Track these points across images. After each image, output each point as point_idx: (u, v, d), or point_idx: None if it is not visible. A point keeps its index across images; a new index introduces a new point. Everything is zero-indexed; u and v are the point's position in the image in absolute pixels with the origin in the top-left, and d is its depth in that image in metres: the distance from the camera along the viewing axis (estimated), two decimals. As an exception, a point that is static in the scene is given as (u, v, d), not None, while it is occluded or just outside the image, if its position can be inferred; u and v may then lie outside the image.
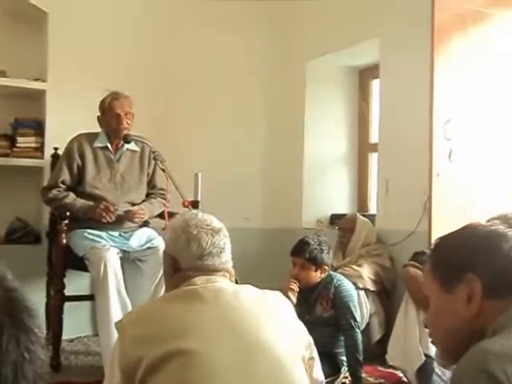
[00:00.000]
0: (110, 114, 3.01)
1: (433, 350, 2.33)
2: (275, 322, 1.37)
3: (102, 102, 3.05)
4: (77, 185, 3.04)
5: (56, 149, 3.37)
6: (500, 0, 3.22)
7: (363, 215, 3.61)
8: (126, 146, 3.07)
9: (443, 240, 1.17)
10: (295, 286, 2.76)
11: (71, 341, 3.44)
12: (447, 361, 1.11)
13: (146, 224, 3.12)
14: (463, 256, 1.08)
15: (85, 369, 2.97)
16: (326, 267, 2.83)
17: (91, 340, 3.50)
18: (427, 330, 1.18)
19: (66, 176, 3.02)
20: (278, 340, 1.32)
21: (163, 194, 3.11)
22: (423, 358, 2.40)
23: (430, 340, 1.18)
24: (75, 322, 3.39)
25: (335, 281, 2.85)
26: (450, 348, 1.08)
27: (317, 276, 2.81)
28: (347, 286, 2.88)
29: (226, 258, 1.47)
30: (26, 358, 0.56)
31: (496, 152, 3.21)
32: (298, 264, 2.81)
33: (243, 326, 1.30)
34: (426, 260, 1.19)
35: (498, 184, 3.20)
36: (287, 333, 1.37)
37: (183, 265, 1.45)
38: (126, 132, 3.00)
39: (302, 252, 2.79)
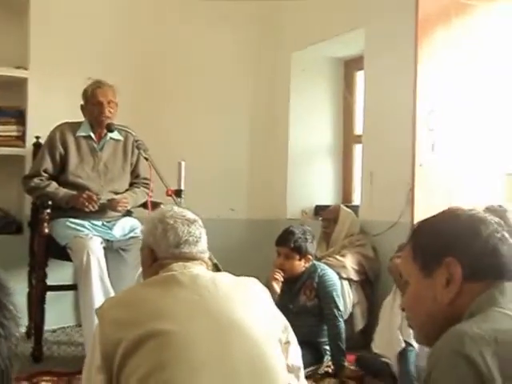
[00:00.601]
0: (93, 103, 2.99)
1: (412, 337, 2.36)
2: (251, 305, 1.40)
3: (85, 91, 3.03)
4: (59, 174, 3.02)
5: (38, 137, 3.33)
6: (483, -8, 3.24)
7: (347, 206, 3.63)
8: (110, 135, 3.05)
9: (423, 224, 1.15)
10: (279, 276, 2.77)
11: (54, 331, 3.42)
12: (425, 344, 1.10)
13: (129, 213, 3.11)
14: (443, 240, 1.08)
15: (67, 359, 2.96)
16: (310, 256, 2.84)
17: (74, 330, 3.49)
18: (404, 313, 1.17)
19: (48, 165, 2.99)
20: (254, 322, 1.35)
21: (147, 184, 3.09)
22: (403, 344, 2.42)
23: (407, 323, 1.18)
24: (58, 313, 3.37)
25: (319, 270, 2.86)
26: (429, 332, 1.08)
27: (301, 265, 2.82)
28: (331, 275, 2.89)
29: (203, 248, 1.52)
30: (0, 333, 0.56)
31: (479, 143, 3.24)
32: (283, 253, 2.82)
33: (219, 309, 1.33)
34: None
35: (481, 174, 3.23)
36: (264, 316, 1.40)
37: (160, 254, 1.50)
38: (108, 121, 2.98)
39: (287, 241, 2.80)
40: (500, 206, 2.35)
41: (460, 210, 1.13)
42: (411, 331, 2.30)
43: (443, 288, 1.05)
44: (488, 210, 2.27)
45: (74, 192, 2.93)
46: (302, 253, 2.80)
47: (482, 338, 0.90)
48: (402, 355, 2.43)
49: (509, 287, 1.02)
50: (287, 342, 1.47)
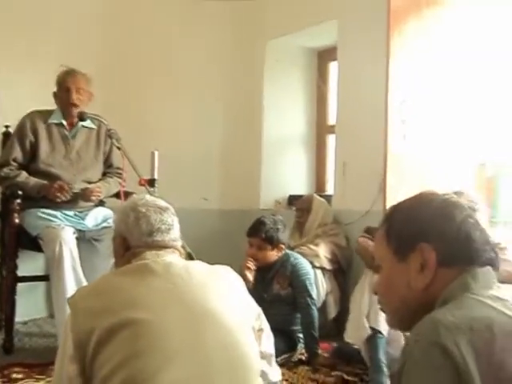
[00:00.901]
0: (62, 89, 2.96)
1: (381, 325, 2.39)
2: (225, 293, 1.40)
3: (57, 77, 2.99)
4: (30, 162, 2.96)
5: (7, 126, 3.26)
6: (454, -16, 3.29)
7: (321, 196, 3.65)
8: (82, 123, 3.01)
9: (398, 208, 1.13)
10: (252, 264, 2.78)
11: (25, 323, 3.38)
12: (398, 329, 1.09)
13: (101, 203, 3.08)
14: (418, 225, 1.06)
15: (39, 350, 2.92)
16: (283, 245, 2.85)
17: (46, 322, 3.45)
18: (372, 299, 1.17)
19: (17, 153, 2.93)
20: (228, 310, 1.35)
21: (120, 174, 3.06)
22: (369, 331, 2.45)
23: (379, 307, 1.16)
24: (29, 304, 3.34)
25: (292, 259, 2.88)
26: (402, 317, 1.08)
27: (273, 255, 2.84)
28: (304, 264, 2.91)
29: (175, 236, 1.51)
30: None
31: (450, 133, 3.29)
32: (255, 244, 2.83)
33: (193, 298, 1.33)
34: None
35: (452, 164, 3.29)
36: (238, 304, 1.41)
37: (133, 243, 1.49)
38: (77, 108, 2.94)
39: (258, 232, 2.81)
40: (459, 191, 2.39)
41: (434, 194, 1.11)
42: (381, 318, 2.35)
43: (417, 273, 1.04)
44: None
45: (45, 182, 2.88)
46: (273, 243, 2.82)
47: (457, 327, 0.90)
48: (370, 342, 2.46)
49: (481, 273, 1.02)
50: (260, 330, 1.48)
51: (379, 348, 2.43)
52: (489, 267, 1.04)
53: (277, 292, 2.87)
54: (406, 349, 0.95)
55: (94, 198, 2.95)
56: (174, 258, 1.44)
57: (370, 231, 2.73)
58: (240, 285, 1.49)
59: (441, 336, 0.89)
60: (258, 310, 1.49)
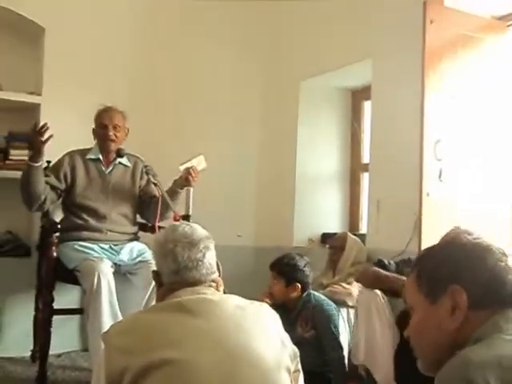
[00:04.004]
0: (98, 126, 3.07)
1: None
2: (260, 331, 1.37)
3: (95, 115, 3.10)
4: (68, 194, 3.03)
5: (49, 162, 3.34)
6: (489, 25, 3.30)
7: (354, 234, 3.63)
8: (119, 159, 3.09)
9: (429, 251, 1.17)
10: (263, 296, 2.76)
11: (59, 356, 3.41)
12: (430, 373, 1.07)
13: (136, 238, 3.12)
14: (449, 268, 1.08)
15: (71, 384, 2.95)
16: (299, 285, 2.79)
17: (79, 355, 3.48)
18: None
19: (50, 178, 2.96)
20: (263, 349, 1.32)
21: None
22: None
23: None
24: (63, 337, 3.36)
25: (313, 301, 2.79)
26: (434, 360, 1.07)
27: (287, 292, 2.78)
28: (326, 305, 2.82)
29: (207, 270, 1.48)
30: None
31: (485, 172, 3.25)
32: (272, 276, 2.83)
33: (228, 336, 1.30)
34: (410, 270, 1.18)
35: (488, 204, 3.23)
36: (272, 342, 1.37)
37: (164, 279, 1.49)
38: (114, 144, 3.03)
39: (275, 265, 2.83)
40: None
41: (466, 238, 1.15)
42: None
43: (448, 315, 1.05)
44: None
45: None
46: (287, 279, 2.78)
47: (486, 363, 0.90)
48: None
49: None
50: (297, 370, 1.44)
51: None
52: None
53: (301, 335, 2.79)
54: None
55: (191, 179, 2.98)
56: (209, 294, 1.42)
57: (378, 263, 2.73)
58: (276, 323, 1.46)
59: (470, 372, 0.89)
60: (294, 348, 1.45)
